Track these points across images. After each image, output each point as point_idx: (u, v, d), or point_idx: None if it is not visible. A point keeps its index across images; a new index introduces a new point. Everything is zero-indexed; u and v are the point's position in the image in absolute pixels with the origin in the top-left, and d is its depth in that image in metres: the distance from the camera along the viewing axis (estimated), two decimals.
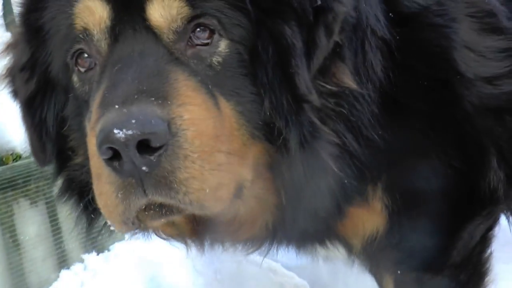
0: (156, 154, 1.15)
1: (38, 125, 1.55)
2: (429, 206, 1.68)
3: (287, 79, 1.32)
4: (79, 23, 1.33)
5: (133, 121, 1.12)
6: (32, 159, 2.55)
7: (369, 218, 1.71)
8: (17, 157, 2.58)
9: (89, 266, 2.61)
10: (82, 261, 2.65)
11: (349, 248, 1.90)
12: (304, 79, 1.31)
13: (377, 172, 1.62)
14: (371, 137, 1.51)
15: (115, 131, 1.11)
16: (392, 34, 1.57)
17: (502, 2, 1.76)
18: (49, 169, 2.50)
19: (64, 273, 2.56)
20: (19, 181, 2.41)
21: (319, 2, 1.34)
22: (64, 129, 1.51)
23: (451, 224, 1.71)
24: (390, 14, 1.60)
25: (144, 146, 1.13)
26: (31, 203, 2.45)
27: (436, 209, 1.68)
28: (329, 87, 1.39)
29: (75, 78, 1.42)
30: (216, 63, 1.31)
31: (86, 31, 1.33)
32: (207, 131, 1.22)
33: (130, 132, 1.11)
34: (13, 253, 2.37)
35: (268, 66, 1.32)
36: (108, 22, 1.29)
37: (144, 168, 1.15)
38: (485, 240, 1.79)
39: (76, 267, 2.62)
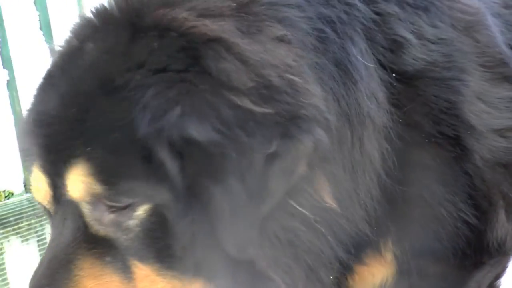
0: None
1: None
2: (437, 256, 1.67)
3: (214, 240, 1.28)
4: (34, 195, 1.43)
5: None
6: (24, 196, 2.54)
7: (380, 269, 1.69)
8: (9, 194, 2.56)
9: None
10: None
11: None
12: (232, 243, 1.28)
13: (388, 226, 1.63)
14: (379, 197, 1.52)
15: None
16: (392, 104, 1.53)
17: None
18: (40, 206, 2.50)
19: None
20: (11, 219, 2.37)
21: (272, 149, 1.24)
22: None
23: (459, 273, 1.69)
24: (394, 75, 1.56)
25: None
26: (22, 241, 2.41)
27: (444, 258, 1.67)
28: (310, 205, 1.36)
29: None
30: (133, 226, 1.28)
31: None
32: None
33: None
34: None
35: (192, 225, 1.27)
36: (49, 197, 1.32)
37: None
38: None
39: None
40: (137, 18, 1.38)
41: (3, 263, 2.33)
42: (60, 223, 1.30)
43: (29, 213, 2.43)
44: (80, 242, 1.27)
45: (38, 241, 2.46)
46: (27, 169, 1.54)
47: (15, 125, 2.64)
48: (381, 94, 1.51)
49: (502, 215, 1.65)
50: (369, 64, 1.48)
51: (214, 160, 1.23)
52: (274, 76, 1.32)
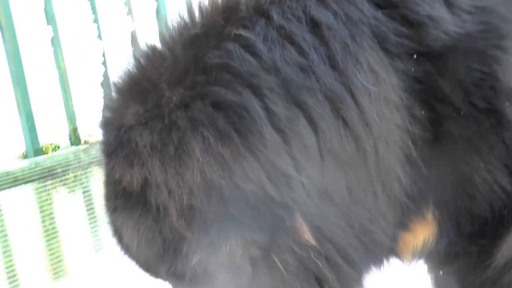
0: None
1: None
2: (474, 217, 1.68)
3: None
4: None
5: None
6: (70, 149, 2.64)
7: (422, 230, 1.72)
8: (56, 147, 2.66)
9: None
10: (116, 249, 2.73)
11: (400, 260, 1.92)
12: None
13: (427, 191, 1.66)
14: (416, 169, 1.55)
15: None
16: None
17: None
18: (86, 158, 2.59)
19: (99, 260, 2.65)
20: (58, 170, 2.48)
21: None
22: None
23: (497, 230, 1.70)
24: (414, 55, 1.50)
25: None
26: (69, 192, 2.52)
27: (482, 219, 1.68)
28: None
29: None
30: None
31: None
32: None
33: None
34: (53, 240, 2.45)
35: None
36: None
37: None
38: None
39: (112, 254, 2.70)
40: None
41: (52, 212, 2.45)
42: None
43: (74, 166, 2.53)
44: None
45: (83, 192, 2.57)
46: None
47: (59, 81, 2.72)
48: (397, 96, 1.48)
49: None
50: (373, 88, 1.44)
51: None
52: None
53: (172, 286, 1.54)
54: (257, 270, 1.44)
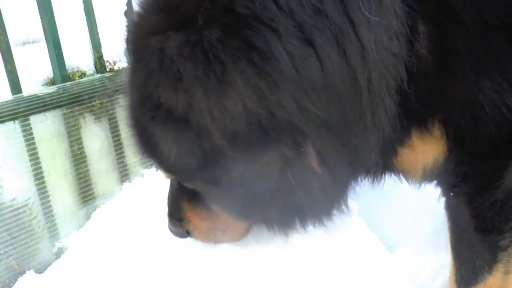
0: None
1: None
2: (484, 135, 1.70)
3: None
4: None
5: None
6: (95, 76, 2.69)
7: (430, 147, 1.75)
8: (82, 74, 2.71)
9: (149, 181, 2.77)
10: (142, 175, 2.81)
11: (406, 178, 1.97)
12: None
13: (434, 106, 1.68)
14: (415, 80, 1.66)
15: None
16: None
17: None
18: (111, 86, 2.63)
19: (126, 185, 2.74)
20: (85, 96, 2.53)
21: None
22: None
23: (506, 151, 1.72)
24: None
25: None
26: (95, 118, 2.58)
27: (491, 136, 1.69)
28: None
29: None
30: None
31: None
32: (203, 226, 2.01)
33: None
34: (81, 165, 2.53)
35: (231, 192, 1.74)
36: None
37: None
38: None
39: (137, 181, 2.79)
40: None
41: (80, 138, 2.52)
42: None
43: (100, 93, 2.58)
44: (182, 190, 1.98)
45: (109, 119, 2.63)
46: None
47: (84, 9, 2.73)
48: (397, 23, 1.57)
49: None
50: (374, 18, 1.54)
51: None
52: None
53: (202, 187, 1.80)
54: (278, 179, 1.66)
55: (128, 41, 1.79)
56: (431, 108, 1.68)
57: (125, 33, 1.88)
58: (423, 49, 1.59)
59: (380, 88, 1.59)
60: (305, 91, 1.53)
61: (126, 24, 2.00)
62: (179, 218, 2.03)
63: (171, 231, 2.10)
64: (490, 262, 1.87)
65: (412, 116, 1.69)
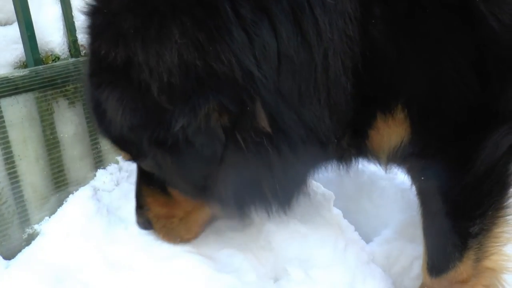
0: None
1: None
2: (446, 116, 1.70)
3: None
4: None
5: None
6: (70, 60, 2.63)
7: (395, 130, 1.75)
8: (56, 58, 2.65)
9: (124, 168, 2.73)
10: (117, 162, 2.77)
11: (376, 161, 1.96)
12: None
13: (397, 89, 1.68)
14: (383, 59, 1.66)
15: None
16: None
17: None
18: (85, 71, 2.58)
19: (100, 172, 2.69)
20: (58, 81, 2.47)
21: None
22: None
23: (473, 133, 1.72)
24: None
25: None
26: (69, 103, 2.53)
27: (453, 119, 1.70)
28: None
29: None
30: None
31: None
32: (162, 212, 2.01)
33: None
34: (53, 150, 2.48)
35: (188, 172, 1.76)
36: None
37: None
38: None
39: (112, 168, 2.74)
40: None
41: (53, 123, 2.46)
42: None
43: (75, 77, 2.53)
44: (142, 176, 1.99)
45: (83, 104, 2.57)
46: None
47: None
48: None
49: None
50: (328, 1, 1.56)
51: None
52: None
53: (152, 156, 1.73)
54: (226, 142, 1.62)
55: (85, 13, 1.81)
56: (393, 91, 1.69)
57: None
58: (378, 33, 1.59)
59: (336, 67, 1.59)
60: (252, 55, 1.52)
61: None
62: (141, 205, 2.03)
63: (137, 223, 2.09)
64: (461, 249, 1.88)
65: (376, 99, 1.69)
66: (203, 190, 1.79)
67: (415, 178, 1.94)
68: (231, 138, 1.60)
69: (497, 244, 1.91)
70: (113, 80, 1.58)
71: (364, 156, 1.94)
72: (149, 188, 1.98)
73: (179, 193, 1.91)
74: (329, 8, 1.54)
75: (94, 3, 1.71)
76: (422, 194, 1.93)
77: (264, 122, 1.60)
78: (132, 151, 1.81)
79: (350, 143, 1.79)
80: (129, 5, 1.55)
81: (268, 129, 1.61)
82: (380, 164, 2.01)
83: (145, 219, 2.04)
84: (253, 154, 1.63)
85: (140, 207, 2.03)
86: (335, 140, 1.75)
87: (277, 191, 1.80)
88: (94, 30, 1.68)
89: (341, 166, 2.00)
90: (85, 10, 1.75)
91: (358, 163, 2.05)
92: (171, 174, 1.79)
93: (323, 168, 2.01)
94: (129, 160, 1.94)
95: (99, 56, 1.61)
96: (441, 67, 1.61)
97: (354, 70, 1.61)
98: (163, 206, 1.99)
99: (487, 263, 1.93)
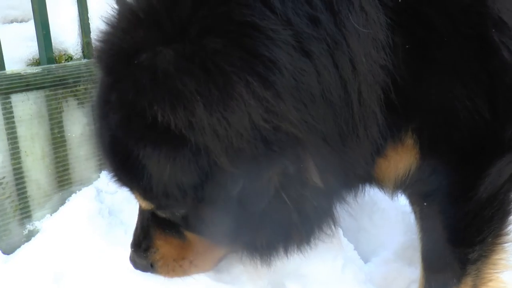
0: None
1: None
2: (456, 144, 1.71)
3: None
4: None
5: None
6: (82, 61, 2.65)
7: (403, 157, 1.75)
8: (69, 58, 2.67)
9: None
10: None
11: (381, 188, 1.97)
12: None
13: (408, 116, 1.69)
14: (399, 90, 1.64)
15: None
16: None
17: None
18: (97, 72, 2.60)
19: (104, 174, 2.69)
20: (70, 80, 2.49)
21: None
22: None
23: (479, 160, 1.73)
24: None
25: None
26: (78, 103, 2.55)
27: (464, 144, 1.71)
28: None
29: None
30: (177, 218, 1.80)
31: None
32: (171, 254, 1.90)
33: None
34: (60, 149, 2.49)
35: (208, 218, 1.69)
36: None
37: None
38: None
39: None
40: None
41: (61, 121, 2.48)
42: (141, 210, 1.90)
43: (86, 78, 2.55)
44: (154, 219, 1.86)
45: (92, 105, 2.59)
46: None
47: None
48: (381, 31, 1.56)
49: None
50: (362, 30, 1.52)
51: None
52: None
53: (191, 210, 1.69)
54: (273, 198, 1.57)
55: (101, 59, 1.66)
56: (404, 117, 1.69)
57: (95, 52, 1.74)
58: (400, 60, 1.59)
59: (371, 100, 1.57)
60: (304, 104, 1.47)
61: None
62: (146, 247, 1.91)
63: (133, 263, 1.97)
64: (459, 275, 1.88)
65: (391, 126, 1.69)
66: (232, 238, 1.74)
67: (416, 203, 1.95)
68: (276, 194, 1.55)
69: (495, 270, 1.91)
70: (162, 138, 1.48)
71: (369, 183, 1.94)
72: (162, 231, 1.87)
73: (198, 236, 1.83)
74: (363, 38, 1.52)
75: (128, 49, 1.54)
76: (423, 219, 1.93)
77: (316, 178, 1.56)
78: (162, 203, 1.70)
79: (362, 172, 1.78)
80: (181, 62, 1.43)
81: (321, 184, 1.57)
82: (385, 191, 2.01)
83: (147, 261, 1.93)
84: (295, 207, 1.59)
85: (145, 250, 1.92)
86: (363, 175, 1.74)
87: (305, 235, 1.77)
88: (136, 84, 1.49)
89: (351, 194, 1.98)
90: (104, 58, 1.64)
91: (365, 190, 2.04)
92: (203, 224, 1.72)
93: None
94: (147, 209, 1.87)
95: (145, 114, 1.48)
96: (454, 94, 1.62)
97: (385, 100, 1.60)
98: (175, 248, 1.89)
99: None
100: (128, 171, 1.63)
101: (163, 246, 1.89)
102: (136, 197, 1.77)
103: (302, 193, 1.58)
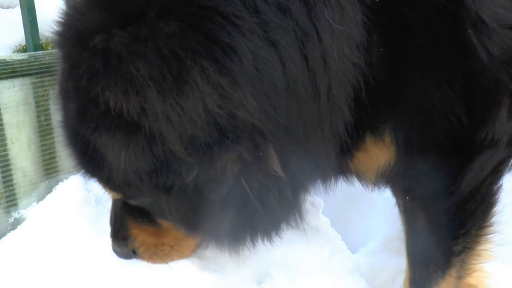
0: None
1: None
2: (434, 141, 1.71)
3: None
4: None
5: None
6: None
7: (383, 151, 1.76)
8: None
9: None
10: None
11: (363, 181, 1.97)
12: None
13: (385, 114, 1.69)
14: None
15: None
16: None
17: None
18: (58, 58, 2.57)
19: None
20: (57, 67, 2.46)
21: None
22: None
23: (459, 157, 1.73)
24: None
25: None
26: None
27: (440, 144, 1.71)
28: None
29: None
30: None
31: None
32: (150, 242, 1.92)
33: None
34: (46, 136, 2.47)
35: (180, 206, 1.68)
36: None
37: None
38: (497, 172, 1.79)
39: None
40: None
41: (48, 109, 2.46)
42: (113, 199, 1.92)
43: None
44: (126, 208, 1.87)
45: None
46: None
47: None
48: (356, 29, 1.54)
49: (503, 114, 1.65)
50: (337, 26, 1.49)
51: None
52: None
53: (152, 198, 1.67)
54: (233, 186, 1.54)
55: (60, 44, 1.61)
56: (382, 116, 1.68)
57: (53, 36, 1.68)
58: (376, 59, 1.58)
59: (340, 96, 1.55)
60: (265, 93, 1.45)
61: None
62: (124, 236, 1.91)
63: (116, 252, 1.98)
64: (443, 267, 1.89)
65: (367, 124, 1.69)
66: (198, 227, 1.72)
67: (400, 197, 1.95)
68: (237, 183, 1.53)
69: (479, 261, 1.92)
70: (115, 125, 1.44)
71: (343, 175, 1.94)
72: (135, 219, 1.88)
73: (171, 223, 1.83)
74: (337, 34, 1.48)
75: (86, 31, 1.47)
76: (407, 213, 1.94)
77: (277, 167, 1.53)
78: (126, 192, 1.70)
79: (335, 164, 1.78)
80: (135, 47, 1.38)
81: (281, 173, 1.55)
82: (364, 183, 2.01)
83: (128, 249, 1.94)
84: (256, 197, 1.57)
85: (123, 239, 1.93)
86: (334, 168, 1.74)
87: (269, 226, 1.75)
88: (90, 69, 1.45)
89: (321, 186, 1.99)
90: (72, 38, 1.54)
91: (337, 183, 2.04)
92: (169, 213, 1.69)
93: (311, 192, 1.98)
94: (117, 198, 1.87)
95: (98, 101, 1.44)
96: (428, 96, 1.61)
97: (355, 98, 1.58)
98: (152, 235, 1.90)
99: (469, 280, 1.94)
100: (89, 162, 1.59)
101: (140, 234, 1.90)
102: (103, 188, 1.76)
103: (263, 182, 1.55)
